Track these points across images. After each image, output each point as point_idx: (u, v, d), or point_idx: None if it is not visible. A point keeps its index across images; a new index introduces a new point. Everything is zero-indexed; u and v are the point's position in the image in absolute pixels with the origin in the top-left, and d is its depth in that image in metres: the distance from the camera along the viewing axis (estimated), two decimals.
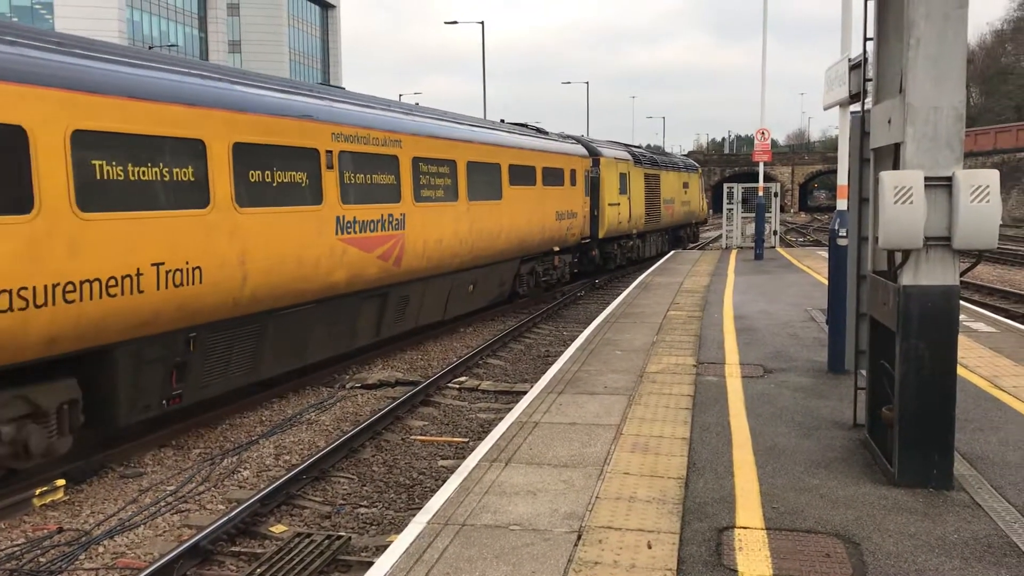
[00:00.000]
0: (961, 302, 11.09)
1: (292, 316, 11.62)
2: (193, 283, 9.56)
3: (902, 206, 5.84)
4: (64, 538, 7.42)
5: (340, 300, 12.70)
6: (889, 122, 6.42)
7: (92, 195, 8.36)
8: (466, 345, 16.54)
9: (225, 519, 7.36)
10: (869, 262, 7.31)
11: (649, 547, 5.38)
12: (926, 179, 5.91)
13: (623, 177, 28.80)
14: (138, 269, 8.81)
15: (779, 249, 32.67)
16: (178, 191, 9.46)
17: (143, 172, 8.98)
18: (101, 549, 7.21)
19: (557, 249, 22.93)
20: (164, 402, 9.72)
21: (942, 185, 5.95)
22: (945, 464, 6.27)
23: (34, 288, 7.68)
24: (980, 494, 6.19)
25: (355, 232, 12.79)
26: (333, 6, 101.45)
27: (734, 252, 31.61)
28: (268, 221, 10.83)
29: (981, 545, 5.35)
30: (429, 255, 15.13)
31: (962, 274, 6.13)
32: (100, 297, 8.37)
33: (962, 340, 11.55)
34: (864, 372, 7.48)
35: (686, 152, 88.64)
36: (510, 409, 9.39)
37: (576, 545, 5.44)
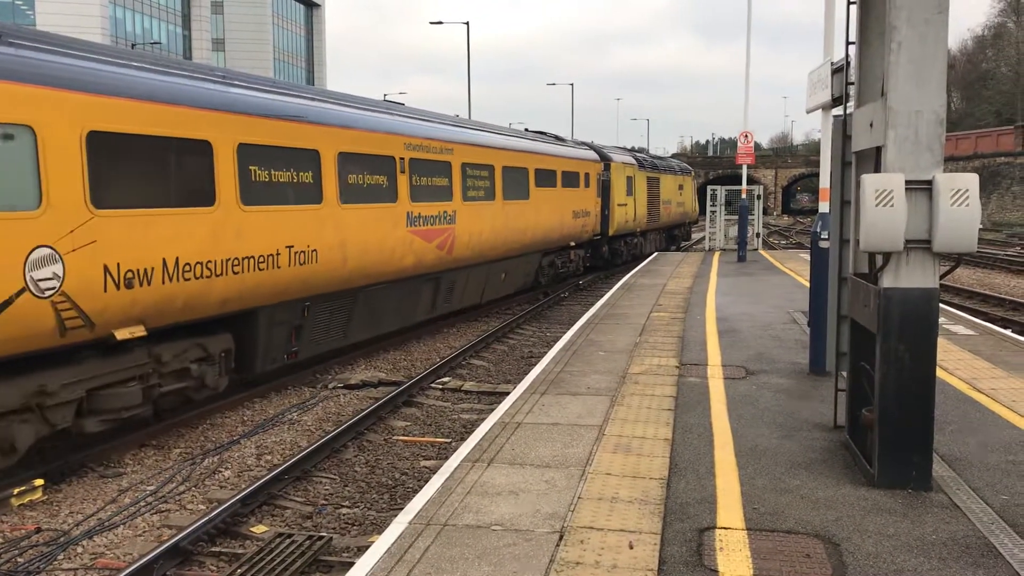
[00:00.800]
0: (941, 305, 11.18)
1: (374, 292, 14.22)
2: (311, 262, 12.10)
3: (883, 209, 5.88)
4: (42, 538, 7.36)
5: (407, 281, 15.37)
6: (871, 125, 6.46)
7: (249, 193, 10.90)
8: (449, 346, 16.53)
9: (205, 519, 7.32)
10: (850, 264, 7.36)
11: (631, 547, 5.40)
12: (907, 182, 5.96)
13: (629, 180, 31.32)
14: (277, 250, 11.36)
15: (762, 251, 32.84)
16: (301, 190, 11.98)
17: (280, 176, 11.58)
18: (80, 549, 7.16)
19: (573, 244, 25.57)
20: (285, 356, 12.24)
21: (923, 188, 6.00)
22: (924, 465, 6.32)
23: (215, 261, 10.21)
24: (959, 495, 6.24)
25: (420, 225, 15.42)
26: (318, 5, 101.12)
27: (717, 254, 31.74)
28: (361, 215, 13.40)
29: (959, 546, 5.40)
30: (473, 246, 17.73)
31: (942, 277, 6.18)
32: (254, 270, 10.93)
33: (942, 343, 11.64)
34: (845, 374, 7.53)
35: (670, 154, 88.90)
36: (493, 410, 9.39)
37: (558, 545, 5.44)
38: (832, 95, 8.90)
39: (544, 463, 7.09)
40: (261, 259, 11.03)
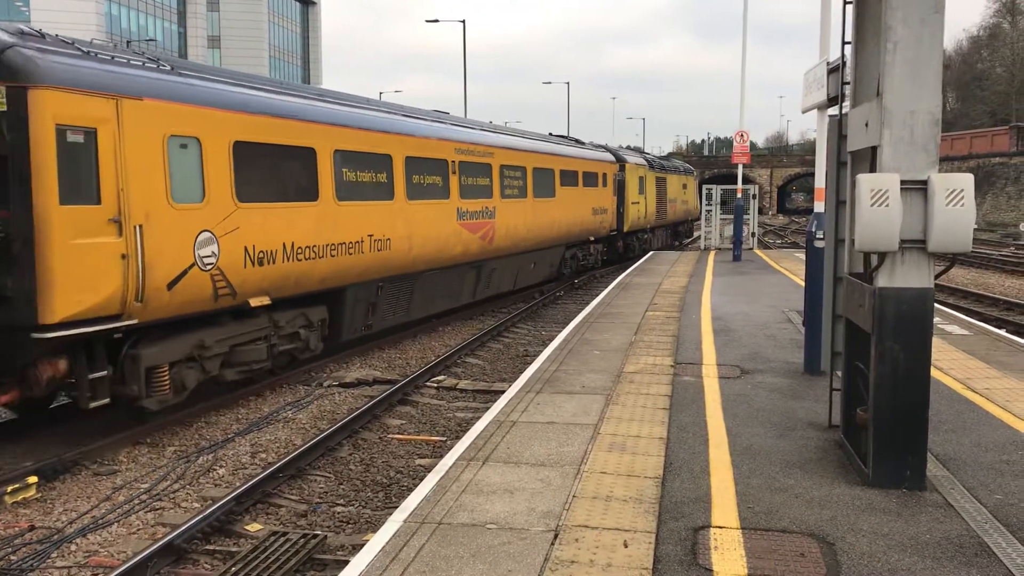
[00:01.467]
0: (936, 305, 11.21)
1: (430, 276, 16.63)
2: (386, 249, 14.55)
3: (878, 209, 5.89)
4: (36, 536, 7.35)
5: (455, 268, 17.75)
6: (866, 125, 6.47)
7: (342, 191, 13.28)
8: (444, 344, 16.52)
9: (200, 517, 7.31)
10: (846, 264, 7.37)
11: (625, 546, 5.40)
12: (902, 182, 5.97)
13: (641, 180, 33.85)
14: (362, 238, 13.76)
15: (757, 251, 32.88)
16: (379, 188, 14.45)
17: (364, 176, 14.03)
18: (74, 547, 7.14)
19: (592, 239, 28.17)
20: (363, 328, 14.63)
21: (918, 188, 6.00)
22: (918, 465, 6.33)
23: (318, 246, 12.55)
24: (952, 495, 6.26)
25: (467, 219, 17.86)
26: (314, 3, 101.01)
27: (712, 253, 31.77)
28: (422, 210, 15.87)
29: (953, 545, 5.41)
30: (509, 238, 20.26)
31: (937, 276, 6.19)
32: (345, 255, 13.29)
33: (936, 343, 11.66)
34: (839, 373, 7.54)
35: (666, 154, 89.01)
36: (488, 408, 9.39)
37: (553, 544, 5.45)
38: (828, 95, 8.90)
39: (539, 462, 7.09)
40: (350, 245, 13.49)
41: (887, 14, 5.99)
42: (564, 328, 14.41)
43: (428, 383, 12.95)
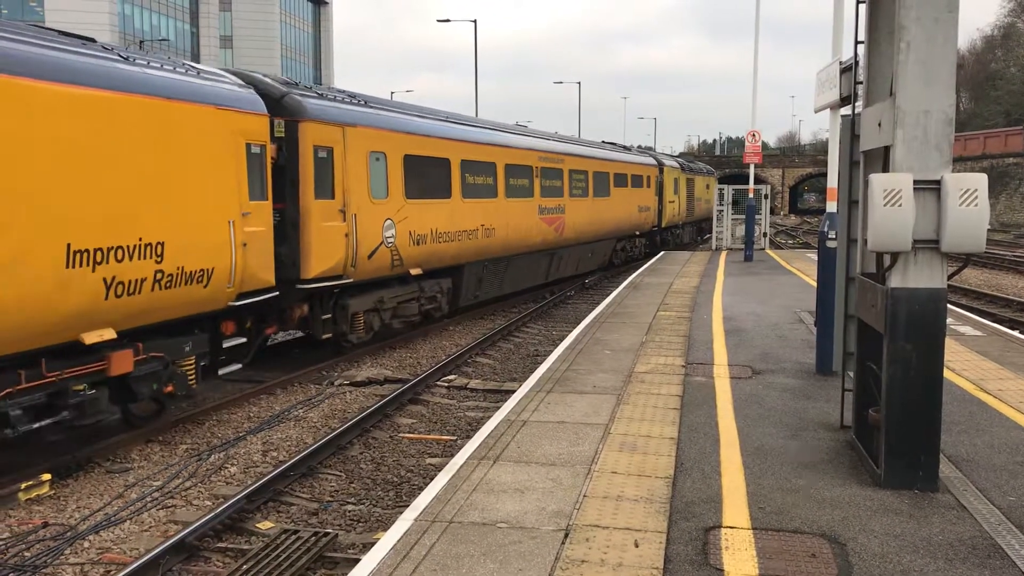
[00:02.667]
0: (948, 305, 11.15)
1: (517, 260, 21.15)
2: (490, 236, 18.98)
3: (891, 208, 5.87)
4: (49, 532, 7.39)
5: (535, 254, 22.42)
6: (879, 125, 6.44)
7: (464, 190, 17.73)
8: (455, 343, 16.54)
9: (211, 515, 7.34)
10: (858, 264, 7.34)
11: (636, 546, 5.40)
12: (915, 182, 5.94)
13: (675, 181, 38.61)
14: (476, 227, 18.24)
15: (768, 251, 32.78)
16: (487, 189, 18.98)
17: (477, 180, 18.49)
18: (86, 544, 7.19)
19: (638, 233, 32.91)
20: (473, 297, 18.96)
21: (931, 188, 5.98)
22: (931, 466, 6.30)
23: (450, 232, 17.03)
24: (965, 496, 6.23)
25: (545, 214, 22.43)
26: (326, 2, 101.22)
27: (724, 253, 31.69)
28: (515, 206, 20.42)
29: (966, 547, 5.39)
30: (575, 230, 24.80)
31: (950, 277, 6.16)
32: (465, 240, 17.76)
33: (949, 343, 11.61)
34: (851, 374, 7.51)
35: (677, 153, 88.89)
36: (499, 408, 9.39)
37: (563, 543, 5.45)
38: (840, 94, 8.87)
39: (550, 461, 7.09)
40: (469, 232, 17.99)
41: (901, 13, 5.97)
42: (575, 328, 14.40)
43: (439, 382, 12.96)
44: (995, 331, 13.50)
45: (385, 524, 7.55)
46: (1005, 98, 78.18)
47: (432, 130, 16.70)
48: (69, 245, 8.44)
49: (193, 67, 10.92)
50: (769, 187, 36.69)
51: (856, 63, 7.49)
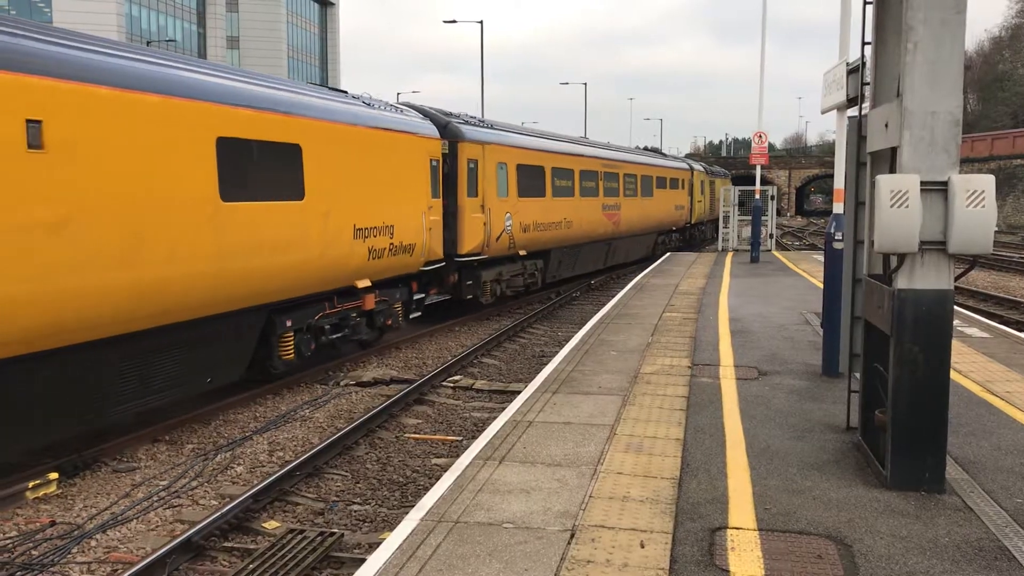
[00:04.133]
0: (955, 307, 11.13)
1: (586, 247, 26.04)
2: (570, 228, 23.97)
3: (898, 210, 5.86)
4: (56, 531, 7.42)
5: (598, 243, 27.18)
6: (886, 126, 6.44)
7: (554, 191, 22.70)
8: (461, 344, 16.55)
9: (218, 515, 7.36)
10: (864, 266, 7.34)
11: (642, 546, 5.40)
12: (922, 183, 5.93)
13: (702, 183, 44.14)
14: (560, 220, 23.07)
15: (775, 252, 32.74)
16: (568, 189, 23.91)
17: (562, 183, 23.37)
18: (93, 543, 7.21)
19: (673, 228, 38.35)
20: (555, 276, 23.82)
21: (938, 190, 5.97)
22: (937, 468, 6.29)
23: (543, 223, 21.89)
24: (972, 498, 6.22)
25: (607, 211, 27.40)
26: (332, 4, 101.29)
27: (730, 255, 31.65)
28: (586, 203, 25.39)
29: (972, 548, 5.38)
30: (628, 225, 29.83)
31: (956, 279, 6.15)
32: (554, 230, 22.65)
33: (956, 345, 11.58)
34: (858, 375, 7.50)
35: (683, 155, 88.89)
36: (504, 408, 9.40)
37: (569, 544, 5.45)
38: (847, 95, 8.87)
39: (555, 462, 7.09)
40: (555, 224, 22.90)
41: (908, 14, 5.96)
42: (580, 329, 14.40)
43: (444, 383, 12.97)
44: (1002, 333, 13.46)
45: (391, 524, 7.56)
46: (1013, 99, 77.94)
47: (533, 145, 21.94)
48: (354, 225, 13.30)
49: (396, 105, 16.32)
50: (775, 188, 36.68)
51: (863, 64, 7.49)
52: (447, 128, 17.71)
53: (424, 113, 17.34)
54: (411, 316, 16.54)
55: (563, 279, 25.09)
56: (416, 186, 15.49)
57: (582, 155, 25.41)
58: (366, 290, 14.10)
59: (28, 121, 7.79)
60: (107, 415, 9.11)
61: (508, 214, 19.74)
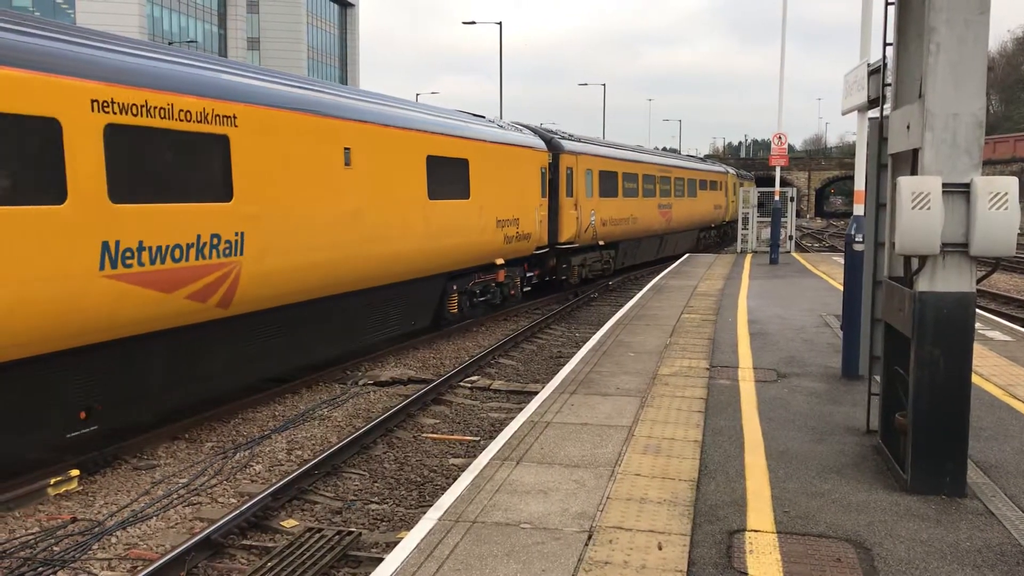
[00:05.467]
0: (977, 310, 11.02)
1: (645, 240, 30.97)
2: (635, 224, 29.04)
3: (919, 212, 5.82)
4: (77, 528, 7.49)
5: (654, 237, 32.11)
6: (908, 128, 6.39)
7: (624, 192, 27.80)
8: (478, 344, 16.56)
9: (236, 513, 7.40)
10: (885, 268, 7.29)
11: (660, 548, 5.39)
12: (944, 185, 5.89)
13: (735, 185, 49.12)
14: (627, 217, 28.06)
15: (794, 254, 32.57)
16: (634, 191, 28.90)
17: (629, 184, 28.38)
18: (114, 539, 7.27)
19: (712, 225, 43.59)
20: (622, 264, 28.56)
21: (960, 191, 5.93)
22: (958, 471, 6.24)
23: (616, 218, 27.01)
24: (994, 502, 6.16)
25: (661, 209, 32.17)
26: (352, 4, 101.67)
27: (749, 256, 31.52)
28: (647, 202, 30.29)
29: (994, 553, 5.33)
30: (677, 221, 34.86)
31: (978, 281, 6.10)
32: (623, 225, 27.77)
33: (977, 348, 11.48)
34: (878, 378, 7.45)
35: (703, 156, 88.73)
36: (522, 409, 9.40)
37: (587, 545, 5.44)
38: (868, 97, 8.80)
39: (573, 463, 7.09)
40: (625, 220, 27.56)
41: (930, 15, 5.92)
42: (599, 330, 14.38)
43: (462, 383, 12.99)
44: None
45: (408, 523, 7.58)
46: None
47: (609, 154, 26.69)
48: (497, 218, 18.03)
49: (517, 125, 21.76)
50: (795, 190, 36.82)
51: (884, 65, 7.44)
52: (551, 143, 22.45)
53: (534, 131, 22.42)
54: (524, 290, 21.07)
55: (628, 266, 29.92)
56: (532, 188, 20.34)
57: (644, 162, 30.51)
58: (500, 267, 18.98)
59: (345, 148, 12.34)
60: (359, 341, 13.72)
61: (592, 211, 24.53)
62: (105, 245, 8.42)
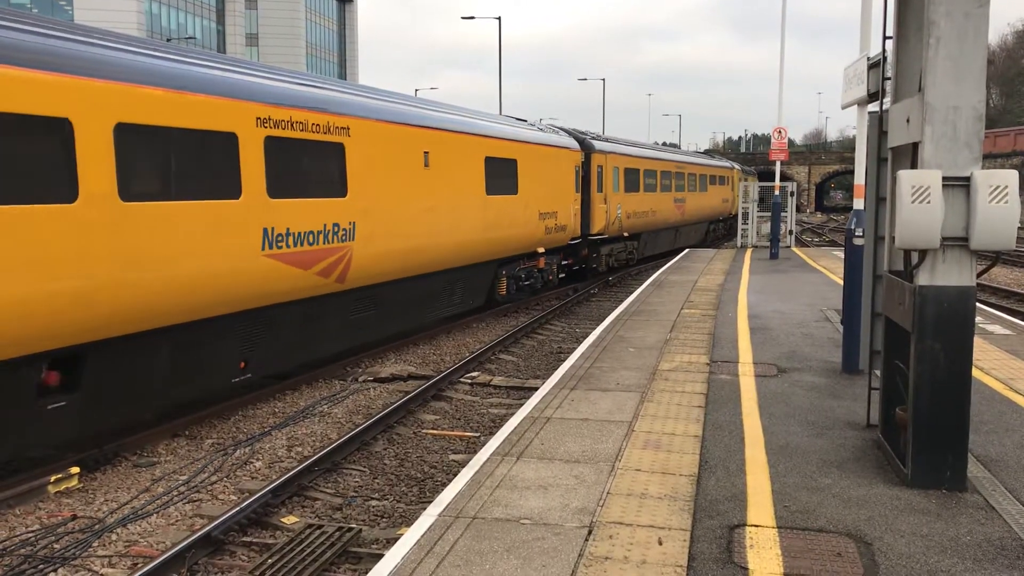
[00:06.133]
0: (977, 304, 11.02)
1: (662, 231, 33.45)
2: (655, 216, 31.37)
3: (919, 205, 5.81)
4: (78, 525, 7.48)
5: (669, 228, 34.40)
6: (908, 121, 6.38)
7: (645, 187, 30.07)
8: (478, 340, 16.56)
9: (237, 509, 7.40)
10: (885, 262, 7.28)
11: (660, 543, 5.38)
12: (944, 179, 5.88)
13: (740, 180, 50.46)
14: (648, 210, 30.35)
15: (794, 249, 32.55)
16: (653, 186, 31.16)
17: (650, 180, 30.85)
18: (114, 537, 7.27)
19: (720, 219, 46.04)
20: (643, 254, 30.99)
21: (960, 185, 5.91)
22: (959, 466, 6.24)
23: (639, 212, 29.34)
24: (994, 496, 6.16)
25: (676, 203, 34.51)
26: (351, 0, 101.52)
27: (749, 251, 31.50)
28: (664, 196, 32.84)
29: (994, 547, 5.33)
30: (690, 213, 37.41)
31: (979, 275, 6.09)
32: (646, 217, 30.20)
33: (978, 342, 11.48)
34: (878, 372, 7.45)
35: (702, 150, 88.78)
36: (522, 405, 9.39)
37: (587, 540, 5.44)
38: (868, 90, 8.78)
39: (573, 458, 7.09)
40: (646, 213, 29.70)
41: (930, 8, 5.90)
42: (598, 325, 14.37)
43: (462, 379, 12.99)
44: None
45: (409, 520, 7.58)
46: None
47: (632, 152, 29.00)
48: (539, 211, 20.24)
49: (555, 128, 23.96)
50: (795, 184, 36.91)
51: (884, 59, 7.42)
52: (583, 143, 24.93)
53: (569, 132, 24.88)
54: (560, 276, 23.50)
55: (647, 256, 32.17)
56: (568, 184, 22.71)
57: (662, 159, 32.93)
58: (541, 255, 21.32)
59: (424, 152, 14.66)
60: (431, 316, 16.15)
61: (619, 205, 26.82)
62: (265, 231, 10.73)
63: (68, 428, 8.53)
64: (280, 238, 10.95)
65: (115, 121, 8.56)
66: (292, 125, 11.22)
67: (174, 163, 9.36)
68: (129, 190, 8.75)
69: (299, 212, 11.30)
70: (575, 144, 23.71)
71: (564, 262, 23.62)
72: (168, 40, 62.34)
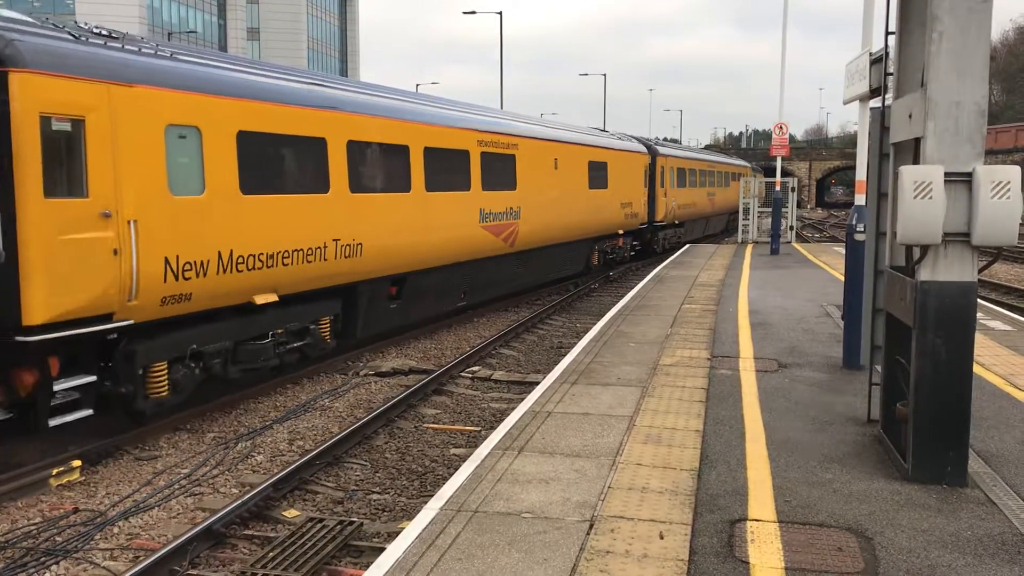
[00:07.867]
0: (979, 300, 11.02)
1: (698, 220, 39.55)
2: (694, 207, 38.08)
3: (921, 201, 5.81)
4: (80, 518, 7.50)
5: (703, 218, 40.63)
6: (910, 117, 6.38)
7: (689, 183, 37.15)
8: (479, 335, 16.57)
9: (238, 503, 7.42)
10: (887, 257, 7.28)
11: (661, 537, 5.39)
12: (946, 174, 5.88)
13: (752, 177, 55.28)
14: (690, 202, 37.02)
15: (795, 244, 32.55)
16: (694, 182, 38.25)
17: (691, 177, 37.50)
18: (116, 530, 7.28)
19: (731, 213, 49.92)
20: (687, 238, 37.33)
21: (962, 181, 5.91)
22: (959, 461, 6.25)
23: (683, 204, 35.62)
24: (995, 491, 6.17)
25: (709, 197, 41.53)
26: None
27: (750, 247, 31.51)
28: (702, 191, 39.73)
29: (995, 542, 5.34)
30: (718, 206, 44.11)
31: (980, 271, 6.09)
32: (688, 208, 36.75)
33: (979, 338, 11.48)
34: (879, 368, 7.46)
35: (703, 146, 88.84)
36: (523, 399, 9.40)
37: (588, 534, 5.45)
38: (870, 86, 8.78)
39: (574, 452, 7.10)
40: (689, 204, 36.43)
41: (933, 3, 5.90)
42: (599, 320, 14.38)
43: (463, 373, 13.00)
44: None
45: (410, 513, 7.59)
46: None
47: (682, 155, 35.79)
48: (620, 201, 26.83)
49: (628, 136, 31.12)
50: (796, 180, 37.72)
51: (887, 54, 7.42)
52: (650, 148, 31.11)
53: (640, 140, 31.40)
54: (630, 254, 29.56)
55: (685, 241, 36.37)
56: (639, 181, 28.93)
57: (700, 159, 40.09)
58: (621, 235, 27.68)
59: (554, 159, 21.27)
60: (553, 275, 22.80)
61: (672, 198, 32.90)
62: (481, 211, 17.26)
63: (399, 319, 14.82)
64: (488, 215, 17.54)
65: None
66: (496, 144, 18.07)
67: (442, 168, 15.68)
68: (432, 183, 15.24)
69: (497, 200, 17.94)
70: (644, 149, 30.32)
71: (635, 242, 29.97)
72: (169, 35, 62.32)
